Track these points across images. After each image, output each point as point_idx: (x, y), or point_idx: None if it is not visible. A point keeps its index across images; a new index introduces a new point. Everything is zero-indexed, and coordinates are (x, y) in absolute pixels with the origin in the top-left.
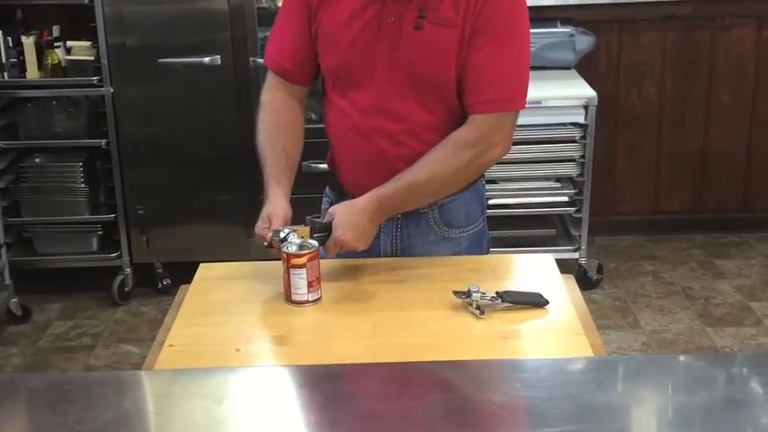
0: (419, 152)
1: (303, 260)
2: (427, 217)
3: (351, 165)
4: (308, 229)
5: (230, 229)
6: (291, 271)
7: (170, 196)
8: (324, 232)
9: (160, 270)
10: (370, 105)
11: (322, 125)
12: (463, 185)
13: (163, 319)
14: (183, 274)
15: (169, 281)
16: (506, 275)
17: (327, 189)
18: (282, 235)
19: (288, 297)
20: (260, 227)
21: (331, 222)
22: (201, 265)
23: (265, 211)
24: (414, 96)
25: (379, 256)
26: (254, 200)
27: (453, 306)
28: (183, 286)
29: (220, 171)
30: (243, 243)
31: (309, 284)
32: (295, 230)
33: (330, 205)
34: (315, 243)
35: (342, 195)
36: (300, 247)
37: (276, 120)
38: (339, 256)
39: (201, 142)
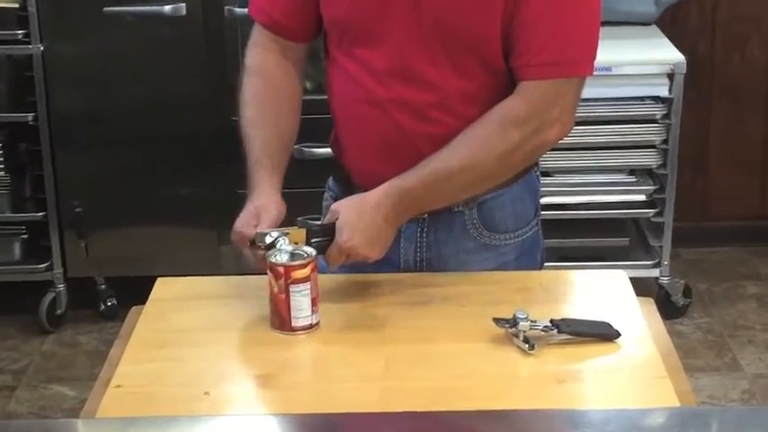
0: (452, 130)
1: (306, 271)
2: (463, 218)
3: (361, 148)
4: (302, 232)
5: (197, 232)
6: (292, 288)
7: (117, 189)
8: (325, 237)
9: (103, 287)
10: (388, 68)
11: (321, 96)
12: (510, 176)
13: (107, 351)
14: (134, 292)
15: (115, 301)
16: (564, 298)
17: (330, 180)
18: (269, 240)
19: (283, 323)
20: (244, 222)
21: (334, 224)
22: (159, 280)
23: (255, 205)
24: (445, 56)
25: (399, 269)
26: (229, 194)
27: (494, 338)
28: (133, 308)
29: (185, 156)
30: (213, 251)
31: (312, 303)
32: (286, 234)
33: (334, 201)
34: (312, 251)
35: (349, 188)
36: (293, 256)
37: (266, 89)
38: (344, 268)
39: (160, 118)
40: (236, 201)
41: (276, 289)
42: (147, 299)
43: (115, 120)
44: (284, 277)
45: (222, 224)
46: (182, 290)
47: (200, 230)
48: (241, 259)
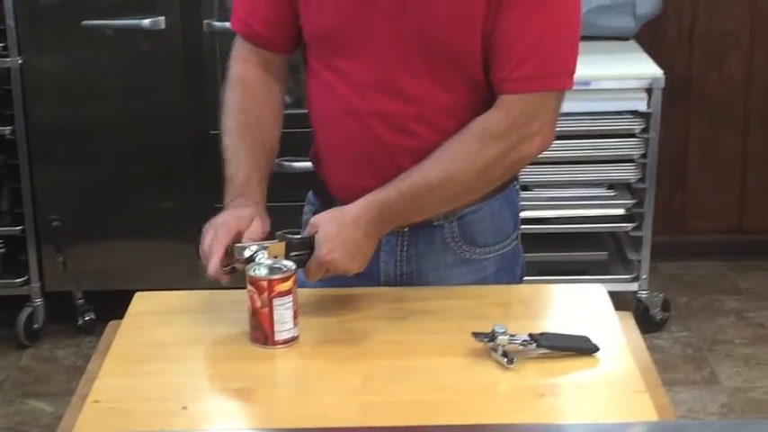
0: (432, 144)
1: (289, 284)
2: (443, 231)
3: (341, 161)
4: (281, 245)
5: (175, 247)
6: (276, 302)
7: (96, 203)
8: (304, 250)
9: (81, 301)
10: (369, 81)
11: (301, 110)
12: (490, 189)
13: (84, 366)
14: (112, 306)
15: (93, 315)
16: (543, 312)
17: (310, 194)
18: (248, 253)
19: (266, 337)
20: (207, 243)
21: (314, 237)
22: (137, 294)
23: (213, 221)
24: (426, 69)
25: (379, 283)
26: (208, 208)
27: (472, 352)
28: (111, 323)
29: (164, 170)
30: (192, 265)
31: (294, 316)
32: (265, 248)
33: (314, 215)
34: (291, 265)
35: (328, 202)
36: (272, 270)
37: (249, 101)
38: (323, 282)
39: (139, 132)
40: (215, 215)
41: (259, 303)
42: (125, 313)
43: (94, 133)
44: (267, 291)
45: (200, 238)
46: (160, 304)
47: (178, 245)
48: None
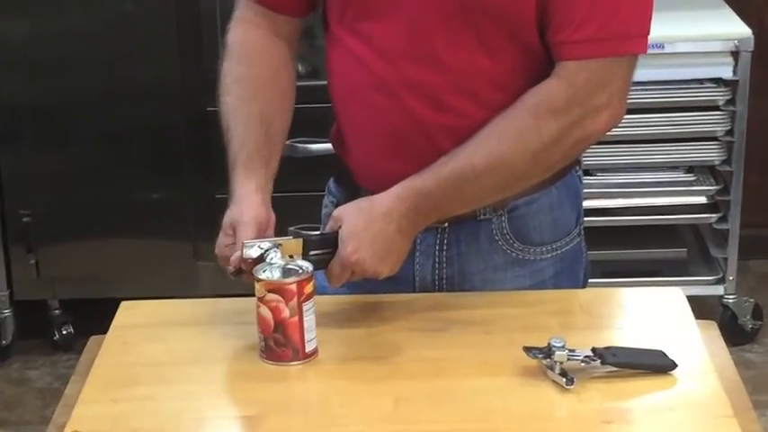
0: (477, 121)
1: (312, 286)
2: (490, 227)
3: (368, 143)
4: (298, 243)
5: (169, 246)
6: (305, 306)
7: (73, 195)
8: (325, 249)
9: (57, 312)
10: (400, 46)
11: (318, 81)
12: (547, 175)
13: (62, 389)
14: (94, 318)
15: (71, 329)
16: (609, 322)
17: (331, 182)
18: (256, 252)
19: (296, 352)
20: (223, 243)
21: (337, 234)
22: (123, 303)
23: (230, 216)
24: (468, 31)
25: (413, 288)
26: (208, 200)
27: (525, 371)
28: (93, 338)
29: (154, 155)
30: (189, 268)
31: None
32: (278, 245)
33: (335, 207)
34: (308, 266)
35: (353, 191)
36: (286, 272)
37: (252, 72)
38: (348, 287)
39: (124, 110)
40: (216, 208)
41: (287, 312)
42: (109, 326)
43: (71, 112)
44: (297, 295)
45: (199, 236)
46: (151, 315)
47: (172, 243)
48: (226, 279)
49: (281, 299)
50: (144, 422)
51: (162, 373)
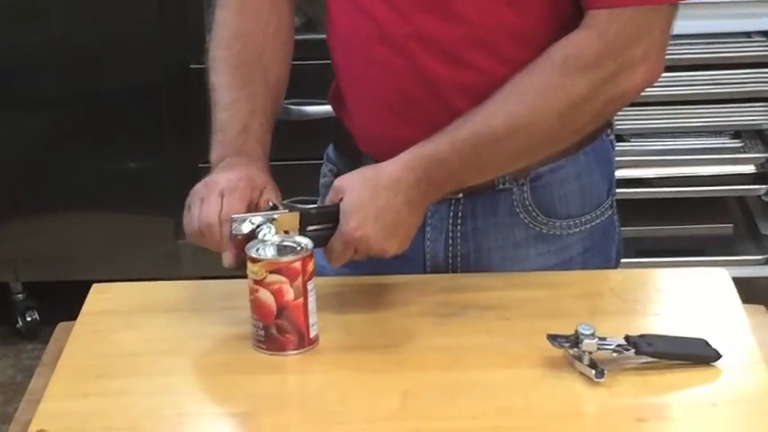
0: (496, 79)
1: (311, 265)
2: (510, 198)
3: (373, 104)
4: (294, 217)
5: (145, 222)
6: (309, 286)
7: (37, 165)
8: (325, 223)
9: (20, 296)
10: None
11: (315, 35)
12: (575, 139)
13: (26, 383)
14: (62, 302)
15: (36, 315)
16: (644, 307)
17: (330, 149)
18: (248, 228)
19: (301, 338)
20: (204, 211)
21: (338, 206)
22: (95, 286)
23: (215, 180)
24: None
25: (424, 268)
26: (190, 170)
27: (549, 361)
28: (61, 325)
29: (129, 119)
30: (168, 246)
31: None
32: (272, 219)
33: (335, 177)
34: (307, 243)
35: (356, 159)
36: (281, 250)
37: (248, 25)
38: (349, 267)
39: (93, 67)
40: (200, 178)
41: (292, 294)
42: (78, 312)
43: (34, 69)
44: (302, 274)
45: (181, 209)
46: (126, 299)
47: (150, 219)
48: (212, 258)
49: (284, 279)
50: (118, 419)
51: (139, 365)
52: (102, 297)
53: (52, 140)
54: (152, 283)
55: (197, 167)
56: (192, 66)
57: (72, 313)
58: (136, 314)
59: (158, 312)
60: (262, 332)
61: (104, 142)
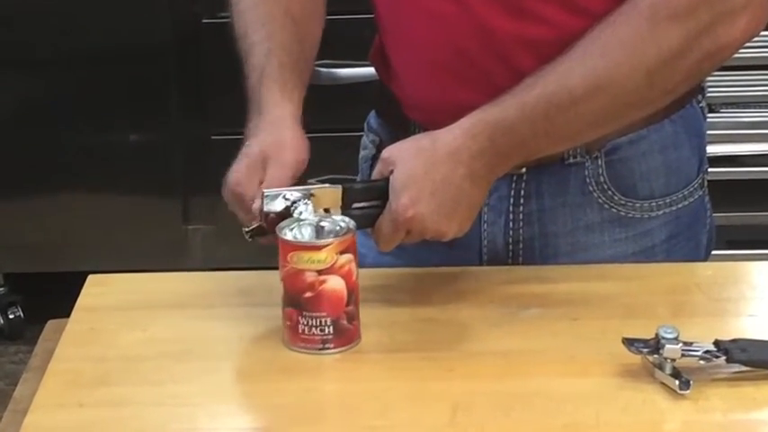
0: (568, 32)
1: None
2: (582, 174)
3: (423, 64)
4: (336, 192)
5: (150, 203)
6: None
7: (24, 136)
8: (372, 201)
9: (3, 290)
10: None
11: None
12: (666, 102)
13: (10, 390)
14: (52, 297)
15: (20, 312)
16: (737, 307)
17: (372, 116)
18: (281, 205)
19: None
20: (244, 177)
21: (387, 181)
22: (91, 278)
23: (262, 143)
24: None
25: (480, 257)
26: (201, 142)
27: (624, 370)
28: (50, 323)
29: (130, 84)
30: (176, 232)
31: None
32: (310, 196)
33: (378, 149)
34: (350, 223)
35: (402, 128)
36: (319, 231)
37: None
38: (392, 256)
39: (91, 24)
40: (213, 152)
41: (356, 273)
42: (70, 308)
43: (21, 28)
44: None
45: (190, 189)
46: (127, 293)
47: (155, 200)
48: (226, 245)
49: (352, 257)
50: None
51: (142, 370)
52: (98, 291)
53: (41, 108)
54: (157, 274)
55: (209, 140)
56: (203, 20)
57: (63, 310)
58: (138, 311)
59: (165, 309)
60: (330, 328)
61: (102, 111)
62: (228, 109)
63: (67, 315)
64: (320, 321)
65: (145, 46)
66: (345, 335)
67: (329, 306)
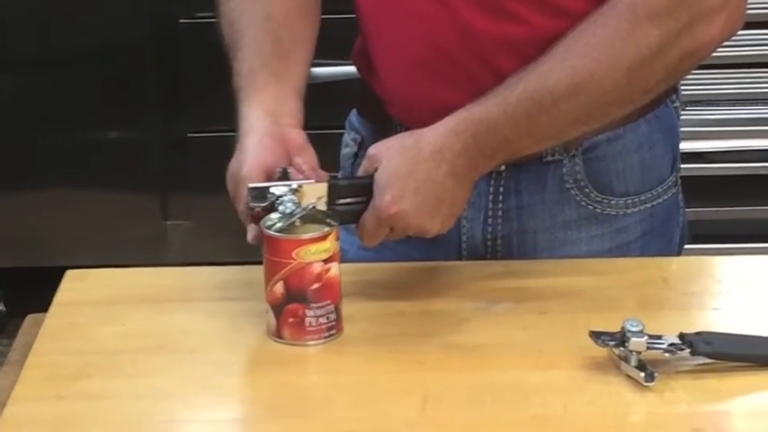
0: (548, 33)
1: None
2: (560, 172)
3: (405, 62)
4: (322, 188)
5: (129, 200)
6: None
7: (3, 134)
8: (357, 197)
9: None
10: None
11: None
12: (645, 100)
13: None
14: (31, 291)
15: (2, 306)
16: (702, 300)
17: (353, 115)
18: (266, 199)
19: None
20: (266, 158)
21: (372, 178)
22: (69, 273)
23: (230, 168)
24: None
25: (459, 252)
26: (179, 140)
27: (592, 362)
28: (30, 317)
29: (108, 81)
30: (155, 228)
31: None
32: (295, 190)
33: (359, 147)
34: (334, 217)
35: (383, 126)
36: (305, 227)
37: None
38: (371, 251)
39: (68, 21)
40: (189, 150)
41: (334, 269)
42: (50, 302)
43: (6, 25)
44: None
45: (168, 186)
46: (106, 288)
47: (134, 196)
48: (204, 241)
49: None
50: (97, 426)
51: (120, 364)
52: (77, 285)
53: (19, 106)
54: (136, 269)
55: (185, 138)
56: (181, 20)
57: (43, 304)
58: (117, 305)
59: (143, 303)
60: (334, 315)
61: (81, 109)
62: (205, 107)
63: (46, 309)
64: (327, 310)
65: (123, 45)
66: (342, 318)
67: (333, 293)
